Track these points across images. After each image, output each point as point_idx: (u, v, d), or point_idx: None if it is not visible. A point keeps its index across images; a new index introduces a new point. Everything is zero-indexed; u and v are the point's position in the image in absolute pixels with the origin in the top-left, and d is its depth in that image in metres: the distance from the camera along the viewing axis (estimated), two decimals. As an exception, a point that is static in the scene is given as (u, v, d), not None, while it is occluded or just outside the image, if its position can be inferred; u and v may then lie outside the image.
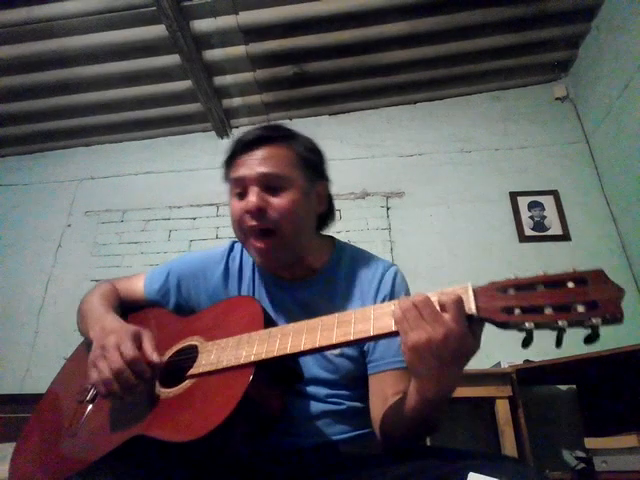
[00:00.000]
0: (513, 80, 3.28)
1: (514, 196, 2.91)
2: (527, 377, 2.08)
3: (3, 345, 2.83)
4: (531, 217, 2.85)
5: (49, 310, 2.90)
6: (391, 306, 0.66)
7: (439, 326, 0.59)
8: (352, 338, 0.66)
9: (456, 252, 2.77)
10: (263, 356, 0.71)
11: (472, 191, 2.98)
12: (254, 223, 0.86)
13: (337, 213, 1.05)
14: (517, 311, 0.57)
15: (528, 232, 2.81)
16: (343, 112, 3.38)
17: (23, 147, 3.50)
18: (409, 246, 2.85)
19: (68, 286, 2.94)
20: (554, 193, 2.89)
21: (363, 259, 0.97)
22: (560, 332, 0.55)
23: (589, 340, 0.54)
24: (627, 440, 1.68)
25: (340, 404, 0.86)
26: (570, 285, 0.56)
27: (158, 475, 0.68)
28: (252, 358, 0.71)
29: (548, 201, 2.88)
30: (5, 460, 0.96)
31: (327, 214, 1.01)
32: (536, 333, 0.56)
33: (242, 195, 0.89)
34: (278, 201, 0.86)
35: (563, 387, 2.40)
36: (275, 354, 0.70)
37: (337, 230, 2.85)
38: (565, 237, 2.75)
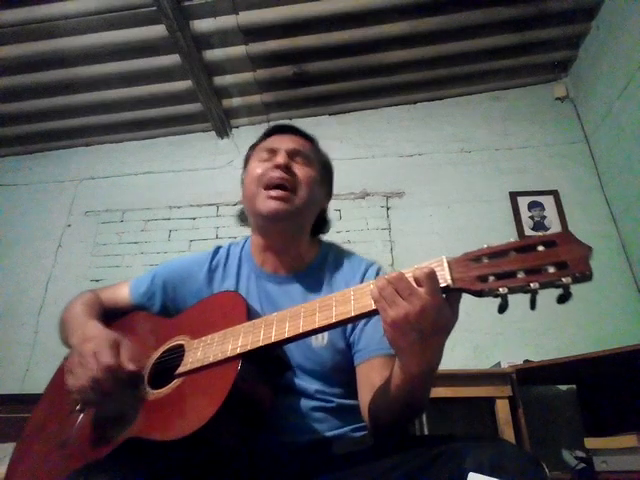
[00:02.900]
0: (513, 80, 3.28)
1: (514, 196, 2.91)
2: (527, 377, 2.07)
3: (3, 345, 2.83)
4: (531, 217, 2.85)
5: (49, 310, 2.90)
6: (370, 286, 0.67)
7: (415, 300, 0.60)
8: (334, 321, 0.67)
9: (456, 252, 2.75)
10: (249, 347, 0.71)
11: (472, 191, 2.98)
12: (278, 175, 0.93)
13: (337, 213, 1.11)
14: (491, 278, 0.58)
15: (528, 232, 2.80)
16: (343, 112, 3.37)
17: (23, 147, 3.50)
18: (409, 246, 2.84)
19: (68, 286, 2.94)
20: (554, 193, 2.89)
21: (347, 257, 1.01)
22: (533, 294, 0.56)
23: (562, 299, 0.55)
24: (627, 440, 1.67)
25: (330, 401, 0.87)
26: (540, 248, 0.58)
27: (156, 476, 0.67)
28: (238, 350, 0.72)
29: (548, 201, 2.88)
30: (4, 461, 0.95)
31: (321, 221, 1.07)
32: (512, 299, 0.58)
33: (268, 159, 0.98)
34: (301, 170, 0.96)
35: (563, 387, 2.40)
36: (260, 344, 0.71)
37: (337, 230, 2.85)
38: (565, 237, 2.75)
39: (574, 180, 2.93)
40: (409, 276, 0.62)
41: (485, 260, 0.60)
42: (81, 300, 1.01)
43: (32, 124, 3.31)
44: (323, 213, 1.07)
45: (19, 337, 2.84)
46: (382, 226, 2.93)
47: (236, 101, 3.25)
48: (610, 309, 2.46)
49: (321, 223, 1.07)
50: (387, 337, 0.64)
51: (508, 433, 1.88)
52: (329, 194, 1.08)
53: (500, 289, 0.57)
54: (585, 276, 0.54)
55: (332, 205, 1.10)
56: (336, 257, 1.01)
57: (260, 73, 3.07)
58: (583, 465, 1.94)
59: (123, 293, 1.05)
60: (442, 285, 0.61)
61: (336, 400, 0.87)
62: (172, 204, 3.19)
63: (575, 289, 0.55)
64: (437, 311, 0.60)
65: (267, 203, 0.92)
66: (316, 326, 0.68)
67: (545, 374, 2.17)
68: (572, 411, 2.30)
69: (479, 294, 0.59)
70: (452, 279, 0.61)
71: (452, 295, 0.62)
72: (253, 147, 1.06)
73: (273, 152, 0.97)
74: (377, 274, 0.96)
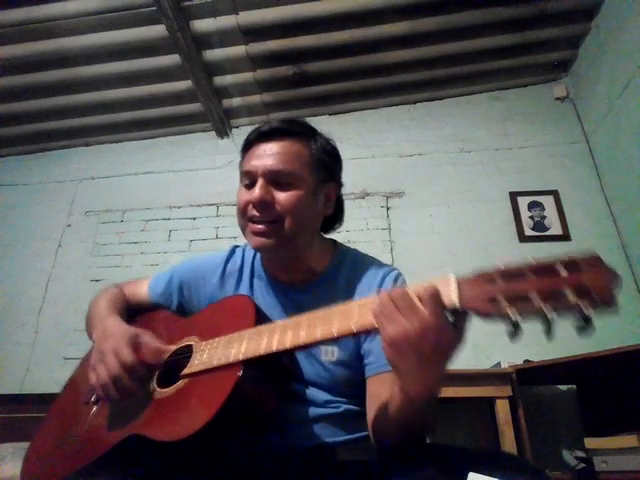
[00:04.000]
0: (513, 80, 3.28)
1: (514, 196, 2.91)
2: (527, 377, 2.08)
3: (3, 345, 2.83)
4: (531, 217, 2.85)
5: (49, 310, 2.90)
6: (375, 300, 0.63)
7: (415, 319, 0.57)
8: (335, 335, 0.65)
9: (456, 252, 2.77)
10: (251, 354, 0.71)
11: (472, 191, 2.98)
12: (257, 214, 0.87)
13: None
14: (502, 301, 0.52)
15: (528, 232, 2.81)
16: (343, 112, 3.37)
17: (23, 147, 3.50)
18: (409, 246, 2.84)
19: (68, 286, 2.94)
20: (554, 193, 2.89)
21: (364, 263, 0.96)
22: (549, 323, 0.50)
23: (582, 330, 0.49)
24: (627, 440, 1.68)
25: (338, 407, 0.86)
26: (562, 272, 0.51)
27: (156, 474, 0.68)
28: (240, 357, 0.72)
29: (548, 201, 2.88)
30: (5, 460, 0.96)
31: (334, 217, 1.01)
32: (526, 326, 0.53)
33: (250, 186, 0.90)
34: (284, 196, 0.86)
35: (563, 387, 2.40)
36: (262, 352, 0.70)
37: (337, 230, 2.85)
38: (565, 237, 2.75)
39: (574, 180, 2.93)
40: (413, 292, 0.59)
41: (499, 280, 0.54)
42: (106, 295, 1.02)
43: (32, 124, 3.31)
44: (338, 203, 1.00)
45: (19, 337, 2.84)
46: (382, 226, 2.93)
47: (236, 101, 3.25)
48: (610, 309, 2.46)
49: (333, 218, 1.01)
50: (386, 356, 0.61)
51: (508, 433, 1.88)
52: (335, 186, 0.97)
53: (511, 314, 0.51)
54: (608, 306, 0.48)
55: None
56: (352, 264, 0.96)
57: (260, 73, 3.07)
58: (583, 465, 1.95)
59: (143, 291, 1.05)
60: (448, 305, 0.57)
61: (344, 406, 0.87)
62: (172, 204, 3.19)
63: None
64: (438, 333, 0.57)
65: (253, 239, 0.88)
66: (317, 338, 0.67)
67: (545, 374, 2.17)
68: (572, 411, 2.30)
69: (487, 317, 0.54)
70: (459, 299, 0.56)
71: (459, 316, 0.58)
72: (244, 150, 0.96)
73: (252, 177, 0.89)
74: (395, 281, 0.91)
